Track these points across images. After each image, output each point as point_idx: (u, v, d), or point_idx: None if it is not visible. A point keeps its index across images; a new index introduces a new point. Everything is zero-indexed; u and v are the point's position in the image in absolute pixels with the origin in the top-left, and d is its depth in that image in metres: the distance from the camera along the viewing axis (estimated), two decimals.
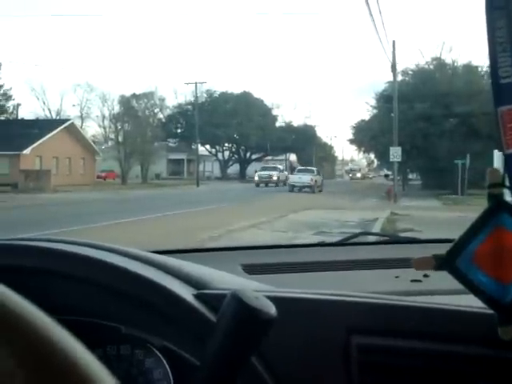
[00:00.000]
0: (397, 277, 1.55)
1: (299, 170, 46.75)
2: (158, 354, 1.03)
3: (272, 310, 0.76)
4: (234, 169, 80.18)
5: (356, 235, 2.32)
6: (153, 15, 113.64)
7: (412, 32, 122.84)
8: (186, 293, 0.98)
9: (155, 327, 1.01)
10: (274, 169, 55.94)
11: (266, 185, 50.31)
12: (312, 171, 44.58)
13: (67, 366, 0.46)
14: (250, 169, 79.26)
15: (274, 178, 52.72)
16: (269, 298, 0.78)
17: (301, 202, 25.02)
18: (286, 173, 56.53)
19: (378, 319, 0.96)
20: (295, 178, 43.63)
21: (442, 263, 0.95)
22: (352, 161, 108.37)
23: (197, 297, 0.98)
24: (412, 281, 1.46)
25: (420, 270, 1.08)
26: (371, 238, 3.09)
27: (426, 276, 1.46)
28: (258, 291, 0.87)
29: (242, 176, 76.27)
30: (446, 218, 17.14)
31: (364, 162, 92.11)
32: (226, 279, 1.13)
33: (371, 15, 20.57)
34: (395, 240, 2.48)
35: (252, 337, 0.76)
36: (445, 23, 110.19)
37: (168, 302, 0.96)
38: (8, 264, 1.03)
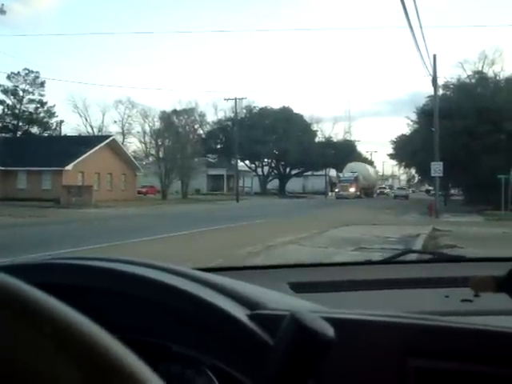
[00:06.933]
0: (446, 296, 1.52)
1: (398, 188, 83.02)
2: (209, 373, 1.02)
3: (331, 332, 0.75)
4: (273, 184, 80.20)
5: (402, 253, 2.30)
6: (193, 32, 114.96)
7: (453, 45, 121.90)
8: (241, 313, 0.97)
9: (207, 346, 0.99)
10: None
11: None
12: (404, 188, 78.38)
13: (118, 367, 0.48)
14: (290, 184, 79.21)
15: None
16: (325, 319, 0.77)
17: (341, 216, 24.86)
18: None
19: (435, 341, 0.93)
20: (397, 192, 76.25)
21: (503, 284, 0.93)
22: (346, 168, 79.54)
23: (251, 317, 0.96)
24: (462, 300, 1.44)
25: (479, 291, 1.05)
26: (416, 256, 3.06)
27: (476, 296, 1.43)
28: (314, 312, 0.86)
29: (282, 191, 76.20)
30: (490, 234, 16.88)
31: (367, 167, 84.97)
32: (277, 299, 1.11)
33: (411, 28, 20.44)
34: (441, 258, 2.44)
35: (310, 359, 0.76)
36: (486, 36, 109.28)
37: (221, 321, 0.95)
38: (56, 282, 1.02)
